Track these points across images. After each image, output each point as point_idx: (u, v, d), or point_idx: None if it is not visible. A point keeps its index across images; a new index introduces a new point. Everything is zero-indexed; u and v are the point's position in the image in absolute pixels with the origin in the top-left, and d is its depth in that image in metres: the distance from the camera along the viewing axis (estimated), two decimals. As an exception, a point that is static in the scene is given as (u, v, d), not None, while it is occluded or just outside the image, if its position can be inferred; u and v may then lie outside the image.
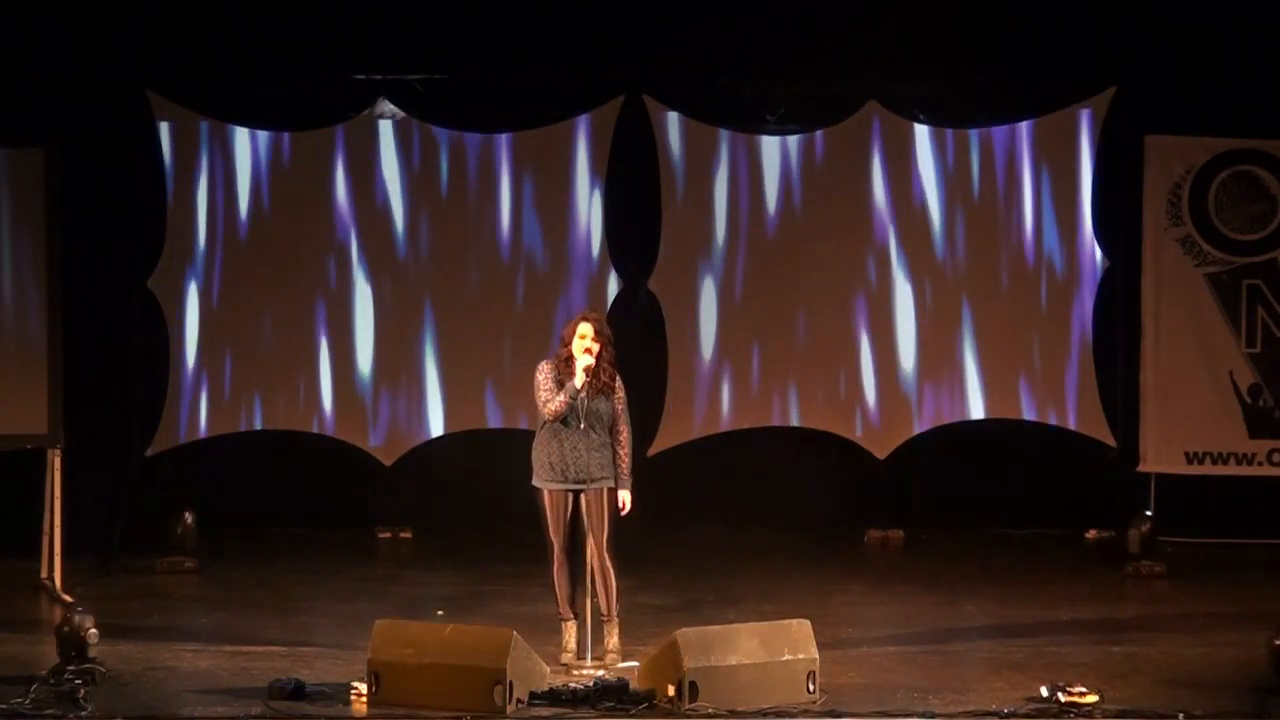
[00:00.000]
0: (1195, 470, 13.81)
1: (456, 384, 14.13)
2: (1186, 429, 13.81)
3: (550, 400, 9.60)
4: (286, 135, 13.99)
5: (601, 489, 9.65)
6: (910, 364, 14.12)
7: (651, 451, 13.77)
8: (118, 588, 12.06)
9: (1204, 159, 13.80)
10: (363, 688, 8.87)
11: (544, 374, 9.67)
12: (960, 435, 14.12)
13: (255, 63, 13.58)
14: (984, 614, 11.36)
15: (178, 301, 13.97)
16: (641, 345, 13.67)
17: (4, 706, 8.59)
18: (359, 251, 14.07)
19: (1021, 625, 10.96)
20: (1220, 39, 13.34)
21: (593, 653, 9.65)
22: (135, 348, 13.88)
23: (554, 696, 8.77)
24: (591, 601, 9.68)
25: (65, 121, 12.89)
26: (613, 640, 9.69)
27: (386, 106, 13.93)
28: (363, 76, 13.81)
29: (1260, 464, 13.77)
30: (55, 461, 11.89)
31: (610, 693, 8.76)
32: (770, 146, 14.10)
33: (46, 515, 11.90)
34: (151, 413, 13.87)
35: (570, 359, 9.61)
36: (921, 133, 14.06)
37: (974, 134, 14.06)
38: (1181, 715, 8.61)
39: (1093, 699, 8.71)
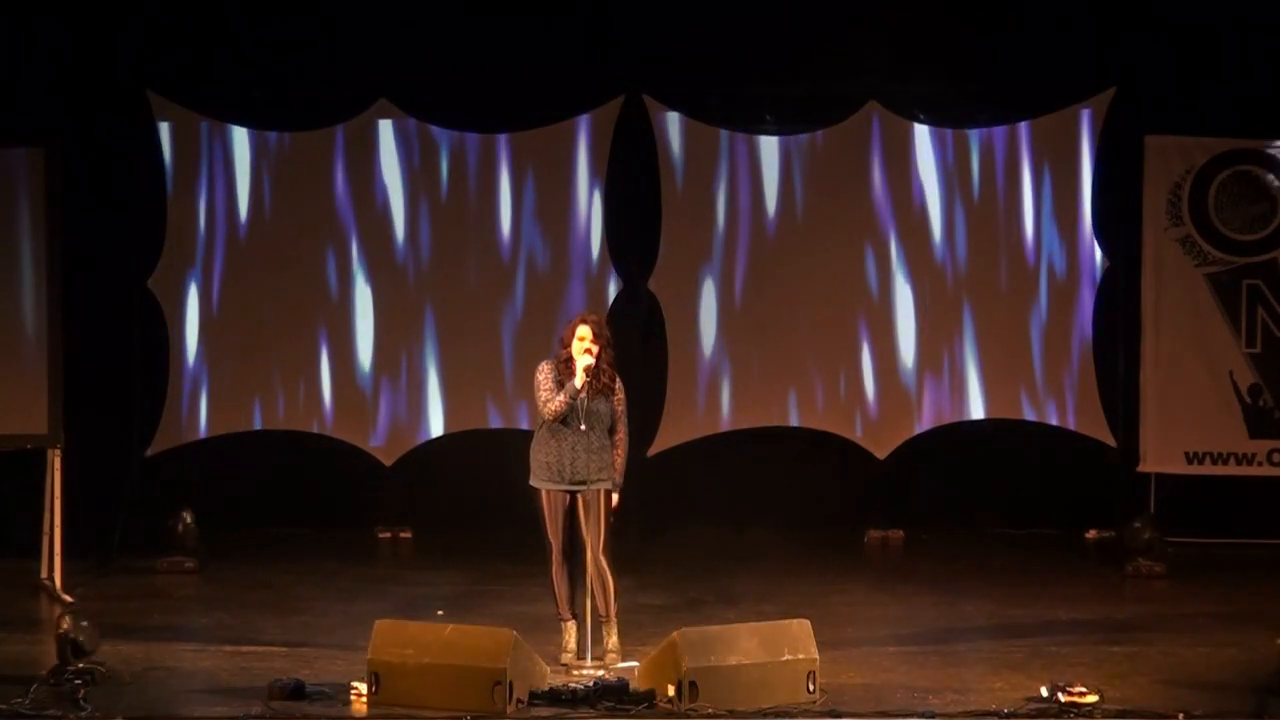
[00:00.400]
0: (1195, 470, 13.81)
1: (456, 384, 14.13)
2: (1186, 429, 13.81)
3: (550, 400, 9.61)
4: (287, 135, 13.99)
5: (599, 491, 9.66)
6: (910, 364, 14.12)
7: (651, 451, 13.77)
8: (118, 588, 12.06)
9: (1204, 159, 13.79)
10: (363, 688, 8.88)
11: (544, 374, 9.68)
12: (960, 435, 14.12)
13: (255, 63, 13.59)
14: (984, 614, 11.36)
15: (178, 301, 13.97)
16: (641, 345, 13.68)
17: (4, 706, 8.59)
18: (359, 251, 14.07)
19: (1021, 625, 10.96)
20: (1220, 39, 13.35)
21: (592, 653, 9.65)
22: (135, 348, 13.87)
23: (554, 696, 8.78)
24: (590, 602, 9.69)
25: (65, 121, 12.90)
26: (611, 640, 9.70)
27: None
28: (363, 77, 13.81)
29: (1260, 464, 13.77)
30: (55, 461, 11.89)
31: (610, 693, 8.76)
32: (770, 146, 14.10)
33: (46, 515, 11.89)
34: (151, 413, 13.87)
35: (570, 360, 9.62)
36: (921, 133, 14.06)
37: (974, 134, 14.06)
38: (1181, 715, 8.61)
39: (1093, 699, 8.72)
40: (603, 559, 9.67)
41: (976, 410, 14.13)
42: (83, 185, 12.87)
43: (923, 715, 8.66)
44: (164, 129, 13.89)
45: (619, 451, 9.73)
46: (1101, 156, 13.96)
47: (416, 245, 14.10)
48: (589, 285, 14.03)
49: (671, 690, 8.70)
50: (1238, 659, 9.81)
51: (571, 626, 9.78)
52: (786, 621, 9.11)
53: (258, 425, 14.06)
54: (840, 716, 8.66)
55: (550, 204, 14.07)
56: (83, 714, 8.58)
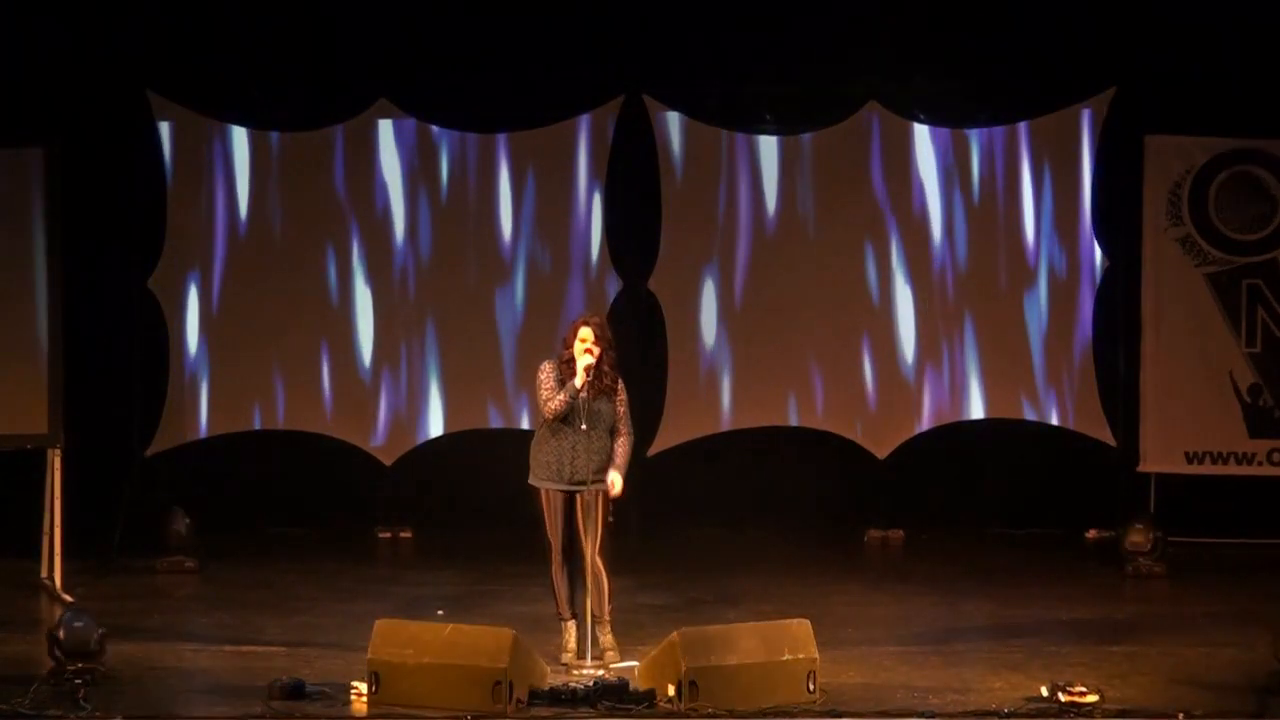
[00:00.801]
0: (1195, 470, 13.80)
1: (456, 384, 14.13)
2: (1186, 429, 13.80)
3: (550, 399, 9.63)
4: (287, 135, 13.98)
5: (597, 492, 9.67)
6: (910, 364, 14.12)
7: (651, 451, 13.77)
8: (118, 588, 12.06)
9: (1204, 159, 13.79)
10: (363, 688, 8.88)
11: (545, 373, 9.71)
12: (960, 435, 14.12)
13: (255, 63, 13.58)
14: (984, 614, 11.36)
15: (178, 301, 13.96)
16: (641, 345, 13.67)
17: (4, 707, 8.59)
18: (359, 251, 14.06)
19: (1021, 625, 10.96)
20: (1220, 39, 13.34)
21: (592, 653, 9.65)
22: (135, 348, 13.86)
23: (554, 696, 8.78)
24: (587, 602, 9.70)
25: (65, 121, 12.89)
26: (606, 639, 9.72)
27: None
28: (363, 77, 13.80)
29: (1260, 464, 13.77)
30: (55, 461, 11.89)
31: (610, 693, 8.76)
32: (770, 146, 14.09)
33: (46, 515, 11.89)
34: (151, 413, 13.86)
35: (572, 361, 9.66)
36: (921, 133, 14.05)
37: (974, 134, 14.06)
38: (1181, 715, 8.61)
39: (1093, 699, 8.72)
40: (599, 560, 9.68)
41: (976, 410, 14.13)
42: (83, 185, 12.86)
43: (923, 715, 8.66)
44: (164, 129, 13.88)
45: (620, 442, 9.72)
46: (1101, 156, 13.96)
47: (416, 245, 14.09)
48: (589, 285, 14.02)
49: (671, 690, 8.70)
50: (1238, 659, 9.81)
51: (571, 626, 9.79)
52: (786, 621, 9.12)
53: (257, 425, 14.05)
54: (840, 716, 8.67)
55: (550, 204, 14.06)
56: (83, 714, 8.58)
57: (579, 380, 9.59)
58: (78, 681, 9.00)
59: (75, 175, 12.41)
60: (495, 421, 14.05)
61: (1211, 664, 9.85)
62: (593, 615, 9.69)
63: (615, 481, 9.70)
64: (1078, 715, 8.65)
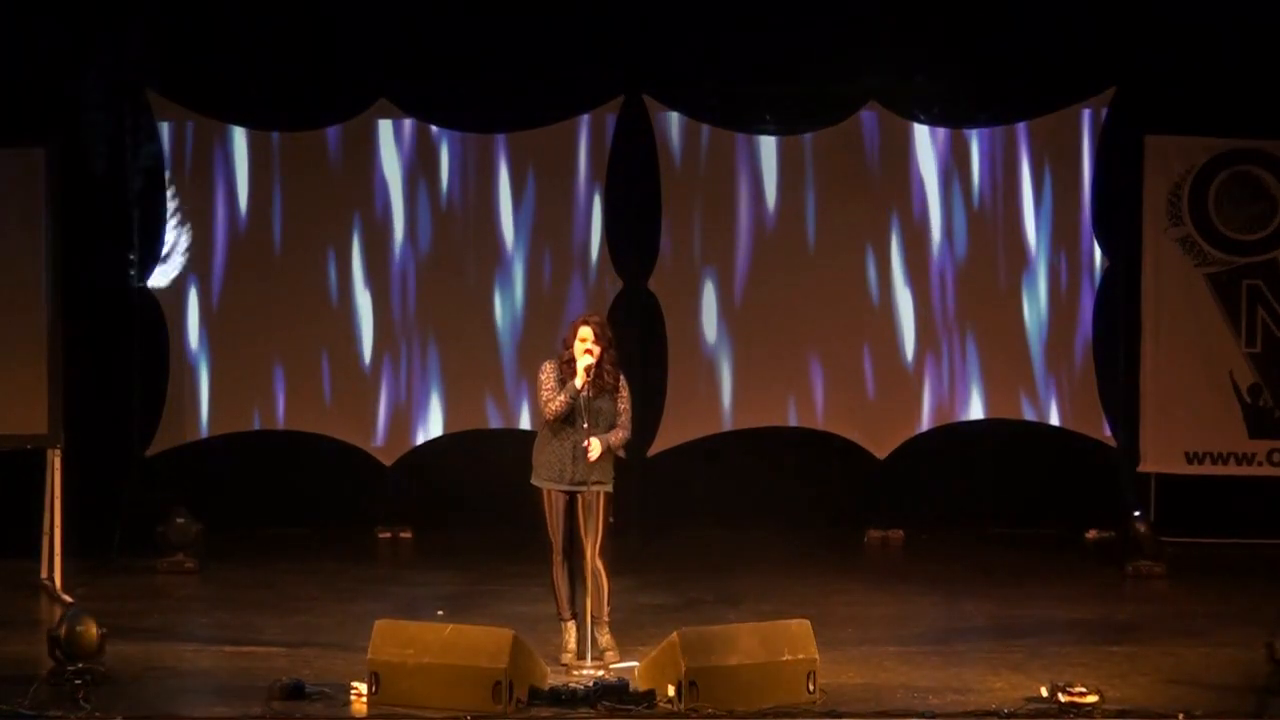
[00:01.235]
0: (1195, 470, 13.81)
1: (456, 384, 14.13)
2: (1186, 429, 13.81)
3: (551, 400, 9.63)
4: (287, 135, 13.98)
5: (599, 492, 9.68)
6: (910, 364, 14.12)
7: (651, 451, 13.78)
8: (118, 588, 12.05)
9: (1204, 159, 13.80)
10: (363, 688, 8.88)
11: (546, 374, 9.72)
12: (960, 435, 14.12)
13: (255, 63, 13.58)
14: (984, 614, 11.36)
15: (178, 301, 13.96)
16: (641, 345, 13.67)
17: (4, 707, 8.59)
18: (359, 251, 14.07)
19: (1021, 625, 10.96)
20: (1220, 39, 13.35)
21: (592, 653, 9.65)
22: (135, 348, 13.86)
23: (554, 696, 8.78)
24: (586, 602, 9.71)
25: (65, 121, 12.89)
26: (605, 639, 9.72)
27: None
28: (363, 77, 13.80)
29: (1260, 464, 13.77)
30: (55, 461, 11.89)
31: (610, 693, 8.76)
32: (770, 146, 14.09)
33: (46, 515, 11.89)
34: (151, 413, 13.86)
35: (573, 360, 9.66)
36: (921, 133, 14.06)
37: (974, 134, 14.06)
38: (1181, 715, 8.61)
39: (1093, 699, 8.72)
40: (599, 561, 9.68)
41: (976, 410, 14.13)
42: (83, 185, 12.86)
43: (923, 715, 8.66)
44: (164, 129, 13.88)
45: (616, 435, 9.67)
46: (1101, 156, 13.96)
47: (416, 245, 14.10)
48: (589, 285, 14.02)
49: (671, 690, 8.70)
50: (1238, 659, 9.81)
51: (572, 626, 9.79)
52: (786, 621, 9.11)
53: (257, 425, 14.06)
54: (840, 716, 8.67)
55: (550, 204, 14.06)
56: (83, 714, 8.58)
57: (579, 381, 9.60)
58: (78, 681, 9.00)
59: (75, 175, 12.41)
60: (495, 422, 14.05)
61: (1211, 664, 9.85)
62: (591, 616, 9.69)
63: (594, 445, 9.59)
64: (1078, 715, 8.65)
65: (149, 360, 13.89)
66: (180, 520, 12.72)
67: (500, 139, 14.04)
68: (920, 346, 14.12)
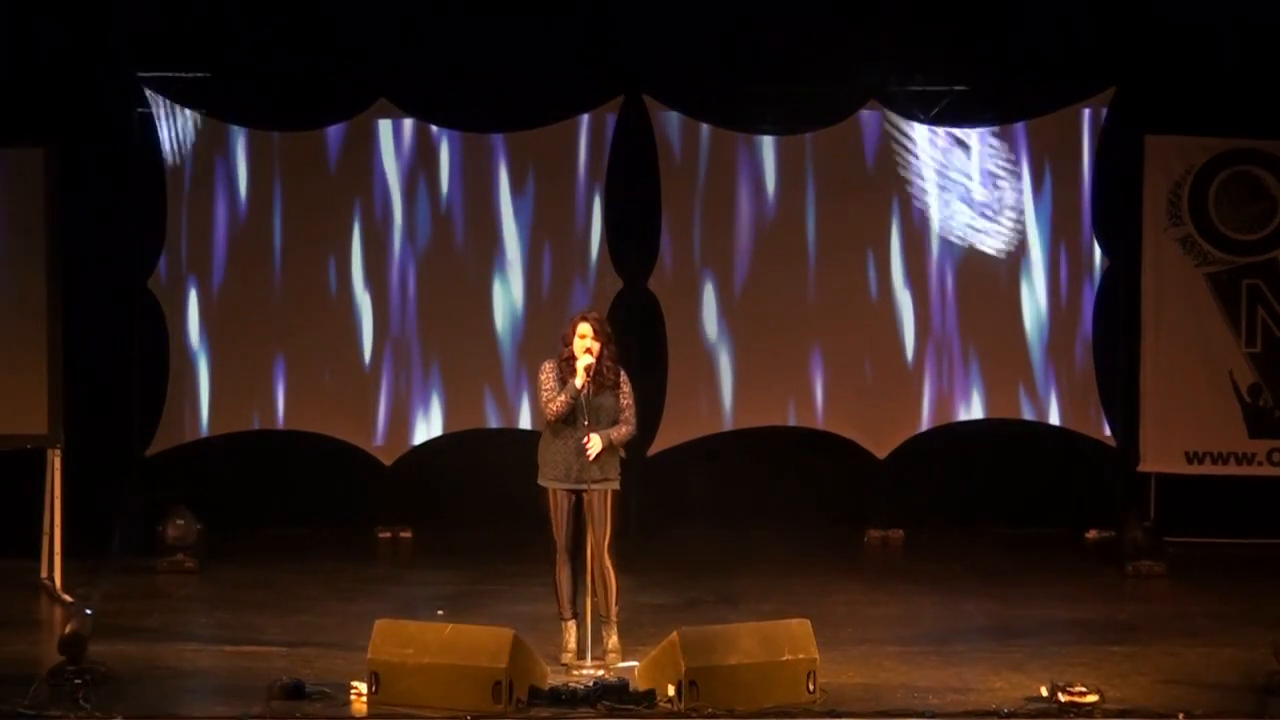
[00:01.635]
0: (1195, 470, 13.81)
1: (456, 384, 14.13)
2: (1186, 429, 13.81)
3: (552, 400, 9.63)
4: (287, 135, 13.98)
5: (605, 491, 9.67)
6: (910, 364, 14.12)
7: (651, 451, 13.78)
8: (118, 588, 12.05)
9: (1204, 159, 13.80)
10: (363, 688, 8.88)
11: (547, 374, 9.71)
12: (960, 435, 14.12)
13: (255, 62, 13.58)
14: (984, 614, 11.36)
15: (178, 301, 13.96)
16: (641, 345, 13.66)
17: (4, 707, 8.59)
18: (359, 251, 14.07)
19: (1021, 625, 10.96)
20: (1220, 39, 13.35)
21: (592, 653, 9.65)
22: (135, 348, 13.86)
23: (554, 696, 8.77)
24: (592, 601, 9.69)
25: (65, 121, 12.89)
26: (611, 640, 9.71)
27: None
28: (363, 77, 13.80)
29: (1260, 464, 13.78)
30: (55, 461, 11.89)
31: (610, 693, 8.76)
32: (770, 146, 14.09)
33: (46, 515, 11.90)
34: (151, 413, 13.86)
35: (573, 359, 9.65)
36: (921, 133, 14.05)
37: (974, 134, 14.06)
38: (1181, 715, 8.61)
39: (1093, 699, 8.72)
40: (606, 559, 9.67)
41: (976, 410, 14.13)
42: (83, 185, 12.87)
43: (923, 715, 8.66)
44: (164, 129, 13.88)
45: (619, 431, 9.66)
46: (1101, 156, 13.96)
47: (416, 245, 14.09)
48: (589, 285, 14.02)
49: (671, 690, 8.70)
50: (1238, 659, 9.81)
51: (572, 626, 9.78)
52: (786, 621, 9.11)
53: (257, 425, 14.05)
54: (840, 716, 8.66)
55: (550, 204, 14.06)
56: (82, 714, 8.57)
57: (579, 381, 9.59)
58: (78, 681, 9.00)
59: (75, 175, 12.41)
60: (494, 421, 14.05)
61: (1211, 664, 9.85)
62: (600, 616, 9.68)
63: (594, 441, 9.60)
64: (1078, 715, 8.65)
65: (149, 360, 13.88)
66: (180, 520, 12.72)
67: (500, 139, 14.04)
68: (920, 346, 14.12)
